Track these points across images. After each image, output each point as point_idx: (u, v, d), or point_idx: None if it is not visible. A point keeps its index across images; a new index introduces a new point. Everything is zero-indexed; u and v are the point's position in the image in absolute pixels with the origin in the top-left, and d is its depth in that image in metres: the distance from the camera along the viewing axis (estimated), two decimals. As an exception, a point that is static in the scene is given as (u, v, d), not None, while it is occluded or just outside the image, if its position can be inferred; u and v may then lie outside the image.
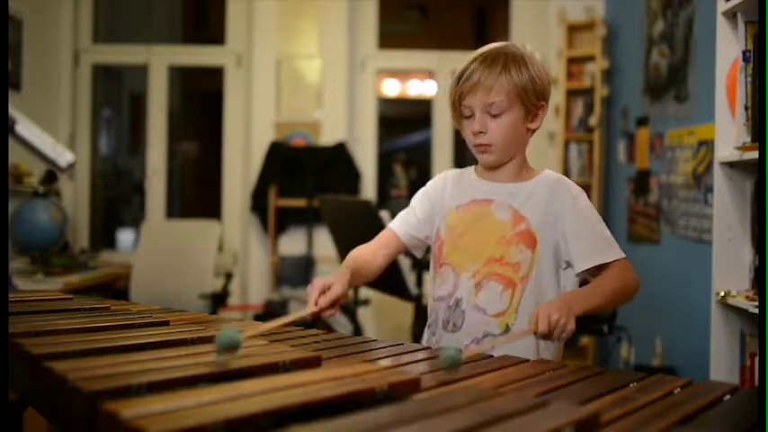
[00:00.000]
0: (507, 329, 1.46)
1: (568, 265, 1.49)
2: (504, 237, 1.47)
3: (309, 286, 1.42)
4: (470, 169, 1.60)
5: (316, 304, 1.39)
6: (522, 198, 1.50)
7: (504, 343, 1.39)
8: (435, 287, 1.56)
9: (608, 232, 1.49)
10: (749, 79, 1.90)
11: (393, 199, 4.81)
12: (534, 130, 1.52)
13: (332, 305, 1.41)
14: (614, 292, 1.44)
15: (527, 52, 1.50)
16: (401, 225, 1.61)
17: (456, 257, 1.52)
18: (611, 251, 1.47)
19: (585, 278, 1.50)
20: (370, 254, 1.58)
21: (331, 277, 1.43)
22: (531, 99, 1.47)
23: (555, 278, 1.49)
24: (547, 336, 1.31)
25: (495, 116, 1.46)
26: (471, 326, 1.48)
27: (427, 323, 1.60)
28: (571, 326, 1.31)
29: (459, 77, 1.49)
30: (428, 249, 1.65)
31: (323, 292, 1.40)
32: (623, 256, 1.47)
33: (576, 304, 1.35)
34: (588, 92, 4.42)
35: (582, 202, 1.50)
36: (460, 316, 1.49)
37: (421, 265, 2.97)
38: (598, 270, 1.46)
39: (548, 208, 1.48)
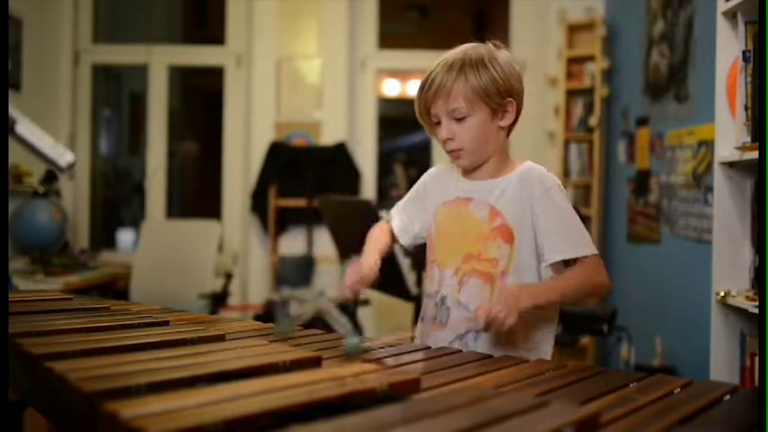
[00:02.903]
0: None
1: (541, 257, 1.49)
2: (481, 233, 1.48)
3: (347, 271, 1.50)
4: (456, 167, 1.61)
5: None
6: (497, 194, 1.50)
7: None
8: (426, 284, 1.60)
9: (582, 228, 1.48)
10: (749, 79, 1.90)
11: (393, 199, 4.80)
12: (510, 128, 1.52)
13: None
14: (577, 288, 1.44)
15: (489, 53, 1.48)
16: (395, 213, 1.67)
17: (440, 254, 1.55)
18: (583, 247, 1.45)
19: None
20: (384, 237, 1.65)
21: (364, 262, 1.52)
22: (495, 99, 1.46)
23: (537, 271, 1.48)
24: (485, 328, 1.34)
25: (459, 121, 1.46)
26: (455, 322, 1.49)
27: (420, 318, 1.63)
28: (510, 321, 1.31)
29: (423, 86, 1.50)
30: (419, 247, 1.67)
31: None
32: (595, 253, 1.46)
33: (528, 297, 1.36)
34: (588, 92, 4.41)
35: (555, 194, 1.48)
36: (446, 312, 1.51)
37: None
38: (567, 265, 1.46)
39: (521, 200, 1.48)
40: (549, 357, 1.51)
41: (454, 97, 1.45)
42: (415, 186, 1.67)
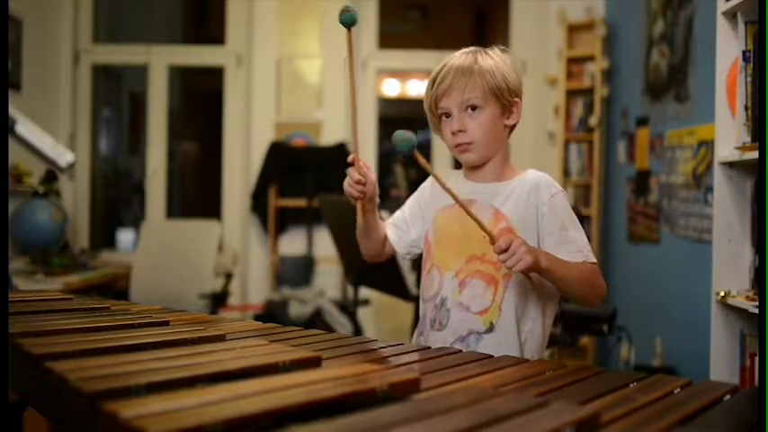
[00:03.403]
0: (491, 327, 1.47)
1: None
2: (485, 235, 1.48)
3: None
4: (459, 171, 1.62)
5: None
6: (502, 197, 1.51)
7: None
8: (424, 289, 1.58)
9: (583, 236, 1.49)
10: (749, 79, 1.90)
11: (393, 199, 4.80)
12: (512, 128, 1.55)
13: (363, 182, 1.48)
14: (581, 279, 1.44)
15: (496, 54, 1.52)
16: (391, 222, 1.67)
17: (440, 257, 1.54)
18: (582, 253, 1.46)
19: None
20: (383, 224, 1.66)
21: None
22: (506, 95, 1.49)
23: (539, 277, 1.48)
24: (500, 252, 1.33)
25: (472, 113, 1.48)
26: (456, 324, 1.49)
27: (418, 324, 1.62)
28: (526, 260, 1.32)
29: (433, 82, 1.52)
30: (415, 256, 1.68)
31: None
32: (594, 260, 1.47)
33: (545, 258, 1.37)
34: (588, 92, 4.42)
35: (560, 200, 1.50)
36: (446, 314, 1.50)
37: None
38: None
39: (527, 205, 1.49)
40: (544, 341, 1.52)
41: (470, 89, 1.47)
42: (415, 194, 1.67)
